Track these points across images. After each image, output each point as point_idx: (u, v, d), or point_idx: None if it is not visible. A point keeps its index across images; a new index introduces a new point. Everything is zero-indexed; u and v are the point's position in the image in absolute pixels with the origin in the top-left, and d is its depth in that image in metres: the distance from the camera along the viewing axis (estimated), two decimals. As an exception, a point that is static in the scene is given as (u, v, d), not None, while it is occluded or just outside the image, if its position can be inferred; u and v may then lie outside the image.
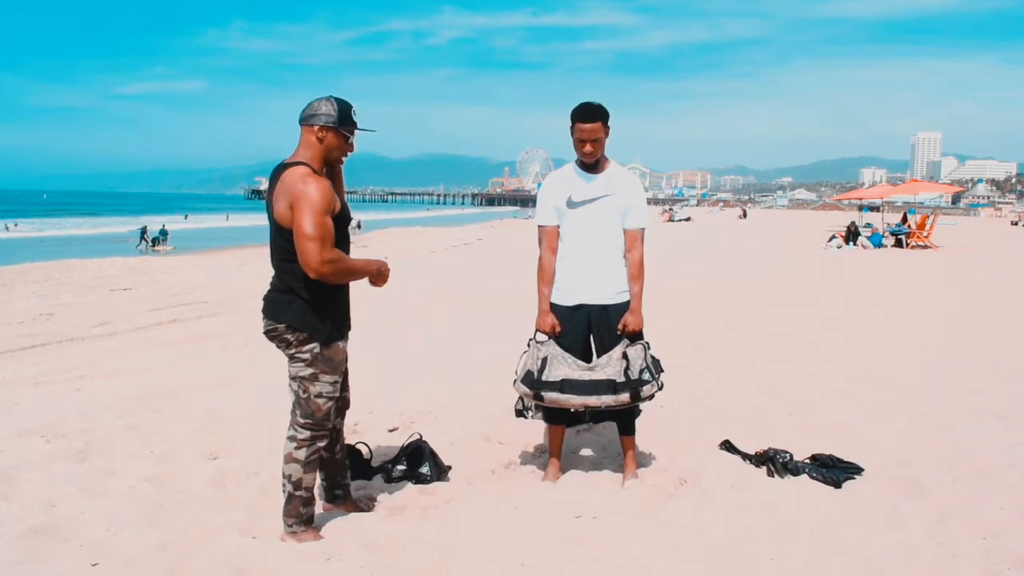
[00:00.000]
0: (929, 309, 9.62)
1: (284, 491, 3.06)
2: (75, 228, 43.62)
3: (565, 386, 3.52)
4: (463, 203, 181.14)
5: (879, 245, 21.57)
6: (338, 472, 3.37)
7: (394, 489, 3.62)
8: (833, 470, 3.66)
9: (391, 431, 4.46)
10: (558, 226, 3.67)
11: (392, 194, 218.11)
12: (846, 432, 4.34)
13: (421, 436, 3.94)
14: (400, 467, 3.75)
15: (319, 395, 3.01)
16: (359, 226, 42.39)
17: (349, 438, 4.17)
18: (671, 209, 61.51)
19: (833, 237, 22.69)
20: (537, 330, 3.67)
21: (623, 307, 3.60)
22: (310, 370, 2.99)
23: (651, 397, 3.57)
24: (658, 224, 43.28)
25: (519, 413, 4.73)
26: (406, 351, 6.94)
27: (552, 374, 3.53)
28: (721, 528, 3.14)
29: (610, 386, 3.50)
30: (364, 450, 3.89)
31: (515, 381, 3.65)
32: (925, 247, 21.07)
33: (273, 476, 3.51)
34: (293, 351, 3.00)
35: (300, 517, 3.05)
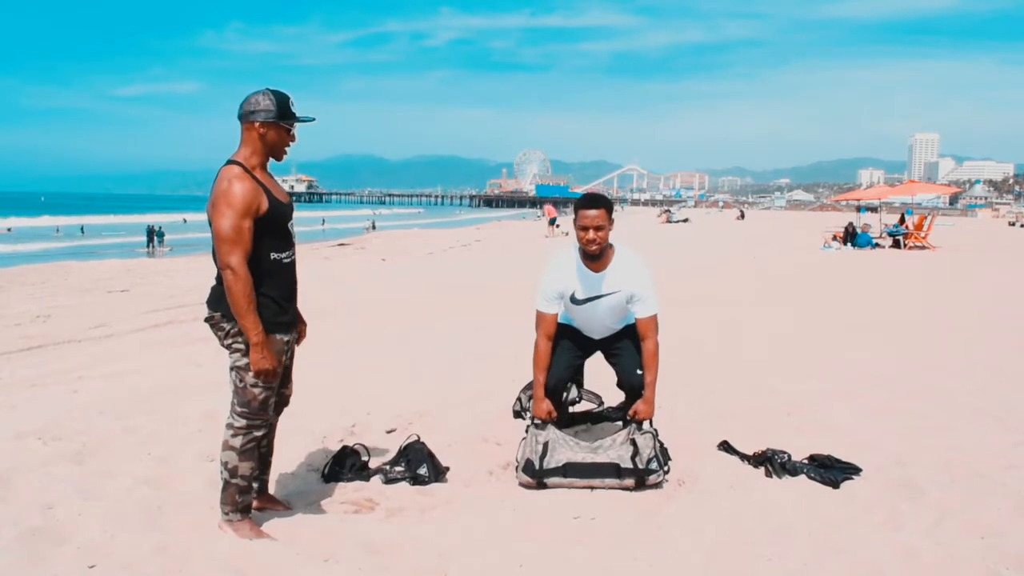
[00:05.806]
0: (927, 309, 9.63)
1: (221, 478, 3.09)
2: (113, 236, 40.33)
3: (568, 470, 3.53)
4: (460, 204, 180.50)
5: (867, 245, 21.50)
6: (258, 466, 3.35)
7: (392, 490, 3.60)
8: (831, 470, 3.67)
9: (389, 432, 4.45)
10: (557, 314, 3.67)
11: (390, 195, 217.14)
12: (844, 432, 4.34)
13: (419, 437, 3.93)
14: (398, 468, 3.74)
15: (254, 385, 3.03)
16: (373, 226, 43.26)
17: (347, 440, 4.18)
18: (669, 210, 61.53)
19: (834, 239, 22.72)
20: (534, 417, 3.68)
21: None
22: (245, 360, 3.01)
23: (658, 485, 3.55)
24: (656, 225, 43.28)
25: (517, 414, 4.72)
26: (404, 352, 6.93)
27: (554, 459, 3.54)
28: (719, 528, 3.13)
29: (614, 470, 3.50)
30: (362, 451, 3.89)
31: (516, 469, 3.65)
32: (923, 248, 21.10)
33: (272, 478, 3.51)
34: (229, 341, 3.03)
35: (236, 505, 3.08)
